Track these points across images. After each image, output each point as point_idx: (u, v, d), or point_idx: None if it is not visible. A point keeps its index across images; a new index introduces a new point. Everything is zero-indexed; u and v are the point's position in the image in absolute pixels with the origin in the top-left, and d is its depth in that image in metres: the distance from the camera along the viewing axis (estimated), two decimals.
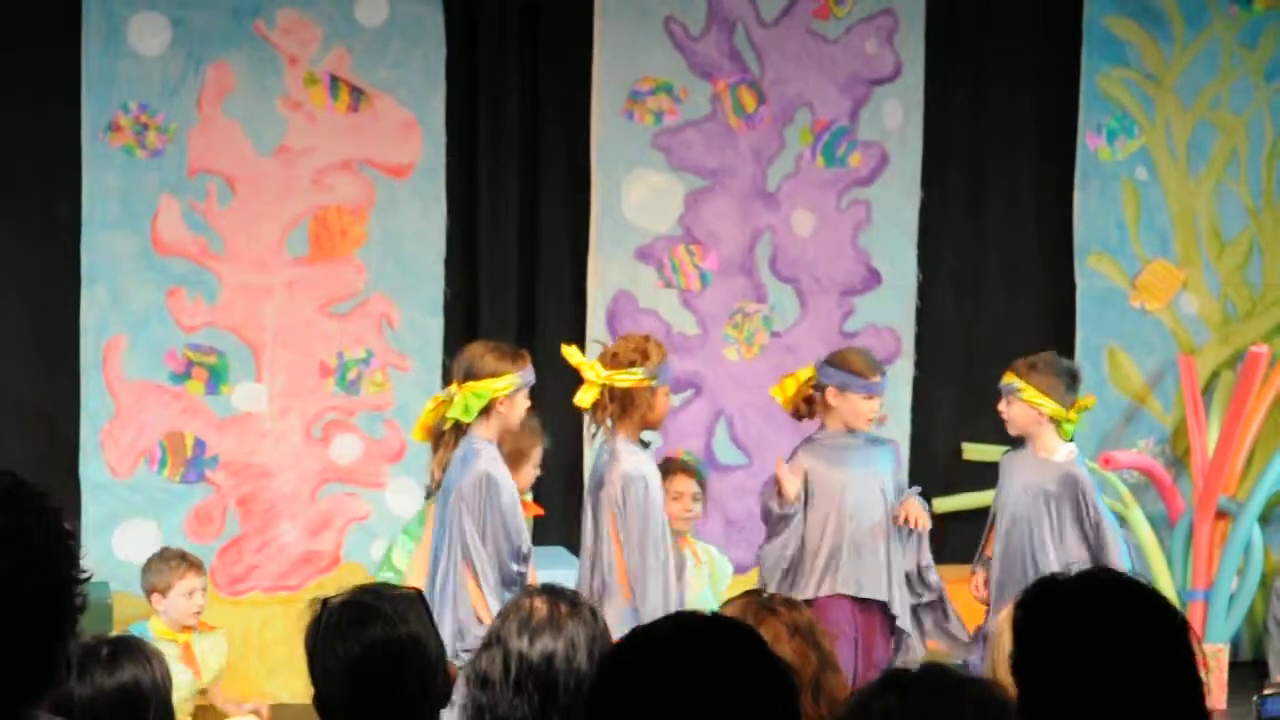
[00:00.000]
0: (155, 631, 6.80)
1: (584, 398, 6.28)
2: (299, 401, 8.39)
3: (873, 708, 2.64)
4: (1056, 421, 6.78)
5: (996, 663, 3.84)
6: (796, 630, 3.76)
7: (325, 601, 3.49)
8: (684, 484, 7.14)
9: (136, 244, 8.22)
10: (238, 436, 8.33)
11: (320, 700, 3.40)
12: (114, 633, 4.38)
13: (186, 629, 6.89)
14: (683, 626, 2.53)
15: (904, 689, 2.65)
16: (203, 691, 7.00)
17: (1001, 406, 6.86)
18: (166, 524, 8.24)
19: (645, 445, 6.50)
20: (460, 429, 6.10)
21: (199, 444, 8.30)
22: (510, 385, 6.05)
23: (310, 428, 8.40)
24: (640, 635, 2.53)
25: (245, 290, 8.34)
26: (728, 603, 3.93)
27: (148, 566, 7.05)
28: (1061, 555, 6.64)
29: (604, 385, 6.27)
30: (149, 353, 8.24)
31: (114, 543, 8.19)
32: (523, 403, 6.14)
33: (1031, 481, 6.78)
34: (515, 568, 6.00)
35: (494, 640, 3.54)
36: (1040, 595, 2.81)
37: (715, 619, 2.54)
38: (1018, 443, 6.95)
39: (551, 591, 3.72)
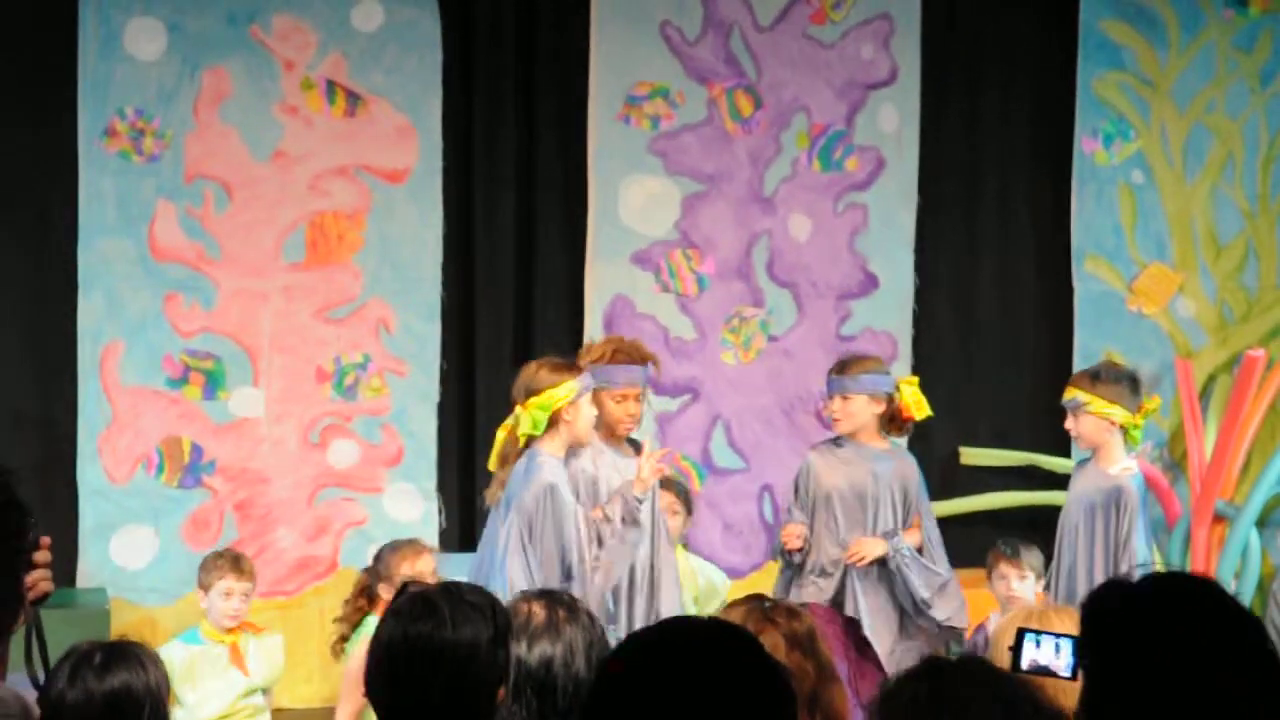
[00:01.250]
0: (204, 633, 6.80)
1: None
2: (296, 407, 8.39)
3: (904, 692, 2.66)
4: (1125, 429, 6.66)
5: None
6: (795, 641, 3.76)
7: (407, 585, 3.49)
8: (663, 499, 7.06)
9: (133, 250, 8.22)
10: (235, 442, 8.32)
11: (366, 676, 3.40)
12: (136, 639, 4.36)
13: (232, 631, 6.86)
14: (679, 631, 2.53)
15: (938, 677, 2.66)
16: (264, 691, 6.96)
17: (1069, 423, 6.70)
18: (164, 530, 8.23)
19: (634, 442, 6.56)
20: (524, 446, 6.17)
21: (196, 449, 8.29)
22: (571, 392, 6.15)
23: (308, 433, 8.40)
24: (637, 640, 2.53)
25: (242, 295, 8.33)
26: (729, 608, 3.93)
27: (202, 562, 7.06)
28: (1098, 568, 6.55)
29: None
30: (146, 358, 8.24)
31: (111, 549, 8.18)
32: (588, 409, 6.22)
33: (1085, 493, 6.66)
34: (563, 581, 6.03)
35: (508, 660, 3.52)
36: (1106, 598, 2.78)
37: (712, 623, 2.54)
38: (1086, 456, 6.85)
39: (549, 596, 3.72)
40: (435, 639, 3.32)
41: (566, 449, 6.24)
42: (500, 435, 6.33)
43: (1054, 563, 6.76)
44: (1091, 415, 6.63)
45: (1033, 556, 7.12)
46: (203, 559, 7.08)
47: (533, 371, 6.23)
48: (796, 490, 6.95)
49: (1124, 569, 6.42)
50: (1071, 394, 6.68)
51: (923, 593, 6.74)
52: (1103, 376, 6.68)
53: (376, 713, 3.37)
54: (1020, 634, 3.47)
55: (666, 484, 7.13)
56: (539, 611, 3.64)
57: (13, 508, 2.70)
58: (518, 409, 6.20)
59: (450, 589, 3.43)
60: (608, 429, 6.51)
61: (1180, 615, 2.68)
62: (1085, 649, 2.74)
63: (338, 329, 8.43)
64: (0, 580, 2.66)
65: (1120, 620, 2.71)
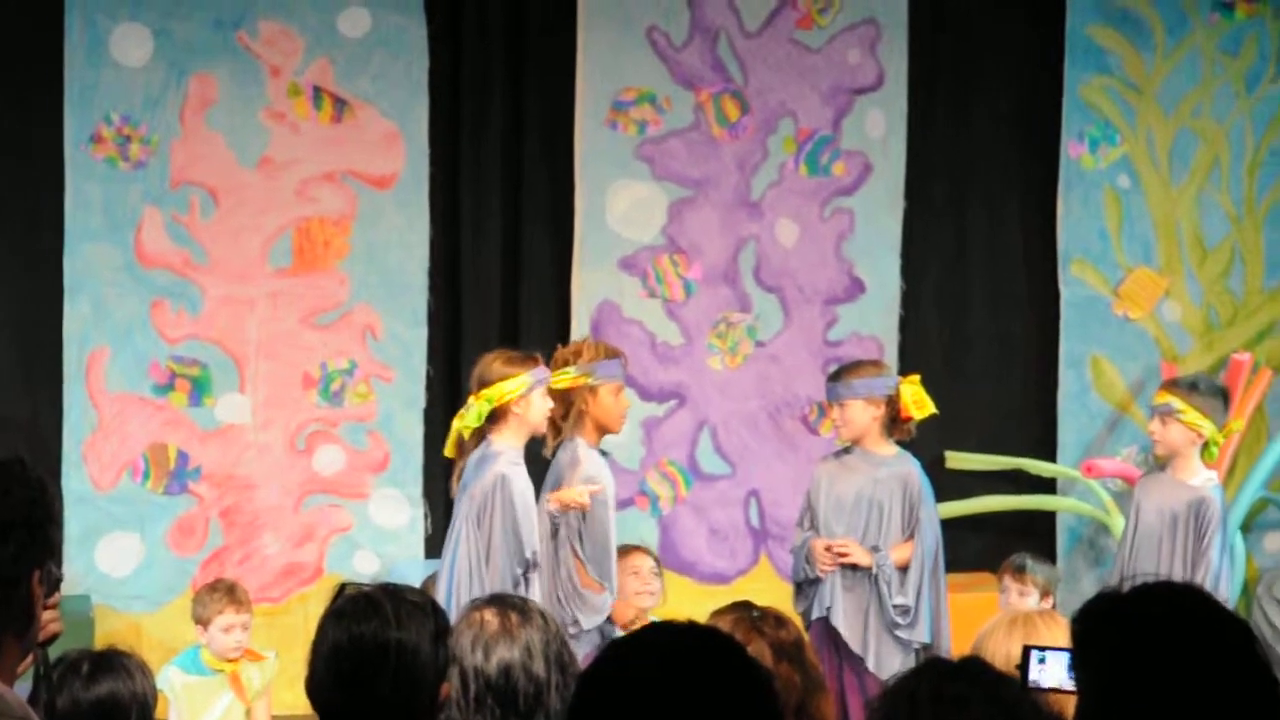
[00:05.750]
0: (205, 659, 6.71)
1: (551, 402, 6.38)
2: (282, 413, 8.39)
3: (904, 689, 2.67)
4: (1205, 444, 6.65)
5: None
6: (783, 651, 3.75)
7: (344, 586, 3.50)
8: (640, 560, 6.96)
9: (119, 256, 8.21)
10: (221, 448, 8.32)
11: (308, 682, 3.41)
12: (122, 646, 4.36)
13: (234, 660, 6.78)
14: (661, 635, 2.53)
15: (939, 677, 2.67)
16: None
17: (1154, 426, 6.69)
18: (149, 536, 8.22)
19: (604, 454, 6.58)
20: (481, 437, 6.17)
21: (182, 456, 8.28)
22: (522, 386, 6.19)
23: (294, 439, 8.39)
24: (619, 645, 2.53)
25: (228, 302, 8.33)
26: (718, 614, 3.92)
27: (196, 596, 6.93)
28: (1177, 579, 6.49)
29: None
30: (132, 365, 8.23)
31: (97, 556, 8.17)
32: (540, 402, 6.24)
33: (1166, 503, 6.64)
34: (518, 571, 6.06)
35: (449, 659, 3.53)
36: (1095, 609, 2.77)
37: (694, 629, 2.54)
38: (1156, 466, 6.82)
39: (499, 601, 3.74)
40: (380, 638, 3.33)
41: (526, 440, 6.27)
42: (455, 424, 6.35)
43: (1122, 571, 6.70)
44: (1182, 424, 6.61)
45: (1041, 572, 7.08)
46: (197, 591, 6.98)
47: (488, 363, 6.28)
48: (806, 508, 6.93)
49: (1199, 578, 6.39)
50: (1165, 399, 6.66)
51: (894, 616, 6.73)
52: (1200, 388, 6.67)
53: (321, 715, 3.37)
54: (1026, 651, 3.47)
55: (643, 548, 7.07)
56: (491, 619, 3.65)
57: (41, 504, 2.74)
58: (470, 398, 6.24)
59: (390, 589, 3.45)
60: (607, 425, 6.54)
61: (1169, 624, 2.68)
62: (1076, 660, 2.74)
63: (324, 335, 8.42)
64: (18, 567, 2.68)
65: (1109, 630, 2.71)
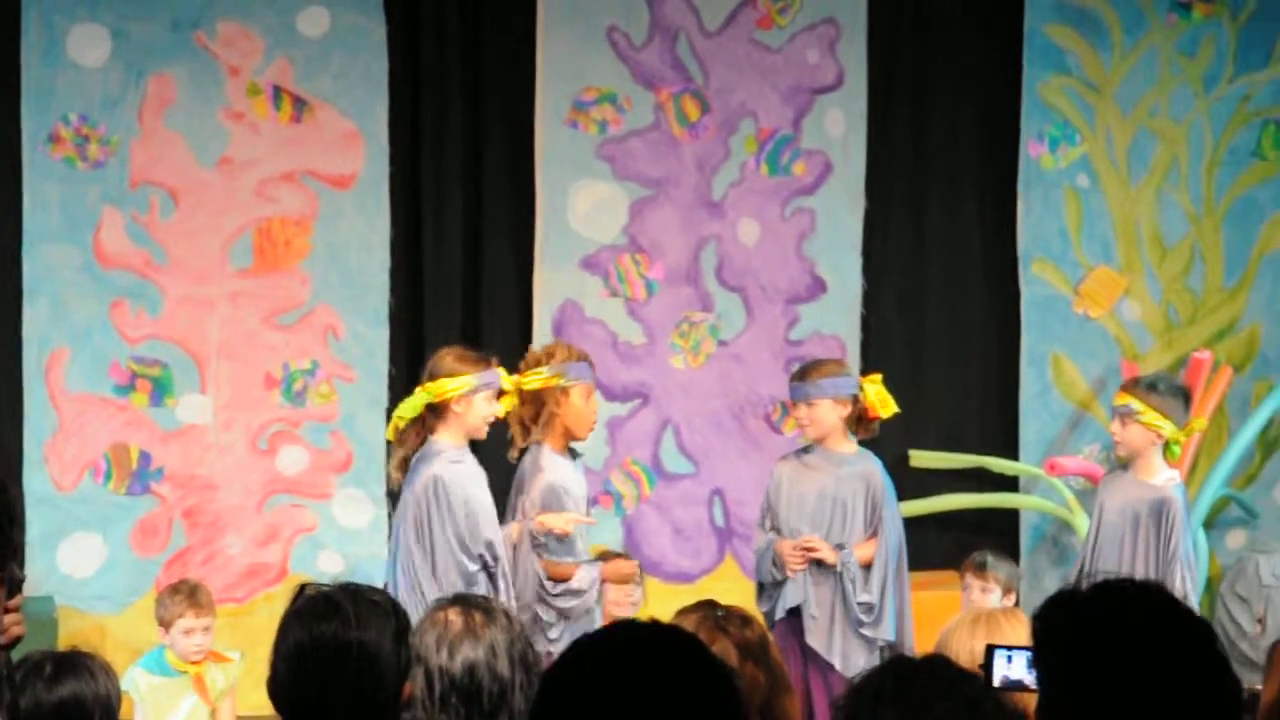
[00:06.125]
0: (170, 660, 6.67)
1: (500, 408, 6.35)
2: (244, 413, 8.37)
3: (868, 687, 2.68)
4: (1167, 443, 6.65)
5: None
6: (748, 650, 3.75)
7: (304, 587, 3.49)
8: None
9: (79, 257, 8.18)
10: (183, 449, 8.29)
11: (270, 683, 3.40)
12: (85, 647, 4.34)
13: (198, 662, 6.74)
14: (623, 634, 2.52)
15: (902, 675, 2.67)
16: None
17: (1115, 427, 6.70)
18: (111, 537, 8.19)
19: (575, 455, 6.55)
20: (426, 431, 6.13)
21: (144, 456, 8.25)
22: (464, 387, 6.13)
23: (256, 439, 8.37)
24: (581, 645, 2.53)
25: (189, 302, 8.31)
26: (681, 613, 3.92)
27: (158, 597, 6.89)
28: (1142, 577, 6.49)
29: (515, 389, 6.36)
30: (92, 365, 8.20)
31: (59, 557, 8.14)
32: (482, 406, 6.19)
33: (1128, 503, 6.64)
34: (471, 567, 6.03)
35: (414, 658, 3.53)
36: (1055, 607, 2.77)
37: (655, 627, 2.54)
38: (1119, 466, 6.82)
39: (463, 601, 3.74)
40: (341, 638, 3.33)
41: (465, 441, 6.22)
42: (396, 410, 6.33)
43: (1082, 572, 6.73)
44: (1141, 425, 6.61)
45: (1002, 570, 7.11)
46: (159, 596, 6.93)
47: (441, 356, 6.26)
48: (766, 508, 6.94)
49: (1173, 580, 6.40)
50: (1124, 400, 6.66)
51: (859, 614, 6.75)
52: (1160, 388, 6.66)
53: (283, 717, 3.36)
54: (990, 650, 3.48)
55: (626, 555, 7.02)
56: (455, 619, 3.65)
57: (1, 506, 2.67)
58: (417, 388, 6.23)
59: (350, 588, 3.45)
60: (575, 430, 6.51)
61: (1129, 621, 2.68)
62: (1035, 657, 2.75)
63: (285, 335, 8.40)
64: None
65: (1069, 628, 2.71)
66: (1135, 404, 6.61)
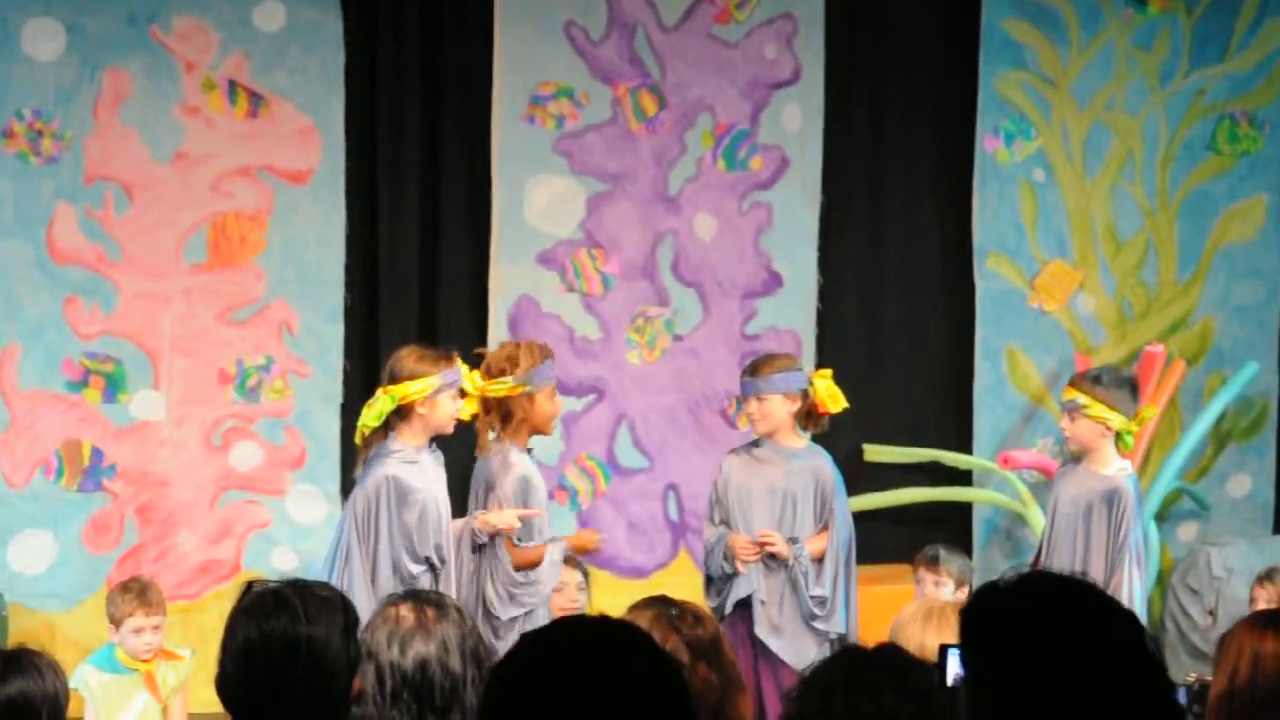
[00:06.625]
0: (120, 657, 6.63)
1: (464, 410, 6.31)
2: (198, 409, 8.34)
3: (819, 679, 2.68)
4: (1119, 434, 6.70)
5: None
6: (700, 650, 3.75)
7: (252, 584, 3.48)
8: (567, 575, 6.81)
9: (31, 252, 8.15)
10: (136, 445, 8.26)
11: (218, 681, 3.39)
12: (34, 645, 4.31)
13: (148, 660, 6.70)
14: (572, 629, 2.53)
15: (853, 665, 2.67)
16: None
17: (1064, 423, 6.75)
18: (63, 534, 8.16)
19: (528, 450, 6.55)
20: (389, 429, 6.12)
21: (96, 453, 8.22)
22: (428, 388, 6.09)
23: (210, 435, 8.34)
24: (529, 639, 2.53)
25: (143, 298, 8.27)
26: (635, 609, 3.92)
27: (109, 595, 6.84)
28: (1096, 568, 6.53)
29: (481, 396, 6.33)
30: (45, 362, 8.17)
31: (9, 554, 8.10)
32: (447, 404, 6.15)
33: (1080, 494, 6.68)
34: (415, 569, 6.00)
35: (365, 654, 3.53)
36: (981, 601, 2.75)
37: (603, 621, 2.54)
38: (1073, 459, 6.86)
39: (415, 597, 3.73)
40: (291, 634, 3.33)
41: (430, 438, 6.18)
42: (361, 416, 6.30)
43: (1039, 563, 6.75)
44: (1089, 418, 6.65)
45: (955, 563, 7.14)
46: (109, 593, 6.89)
47: (401, 357, 6.18)
48: (714, 501, 6.94)
49: (1120, 572, 6.44)
50: (1071, 395, 6.70)
51: (811, 607, 6.76)
52: (1104, 380, 6.71)
53: (232, 714, 3.35)
54: (943, 650, 3.47)
55: (571, 561, 6.96)
56: (407, 614, 3.64)
57: None
58: (379, 390, 6.17)
59: (298, 584, 3.45)
60: (540, 428, 6.50)
61: (1054, 615, 2.66)
62: (962, 653, 2.73)
63: (240, 331, 8.38)
64: None
65: (995, 622, 2.70)
66: (1081, 398, 6.66)
